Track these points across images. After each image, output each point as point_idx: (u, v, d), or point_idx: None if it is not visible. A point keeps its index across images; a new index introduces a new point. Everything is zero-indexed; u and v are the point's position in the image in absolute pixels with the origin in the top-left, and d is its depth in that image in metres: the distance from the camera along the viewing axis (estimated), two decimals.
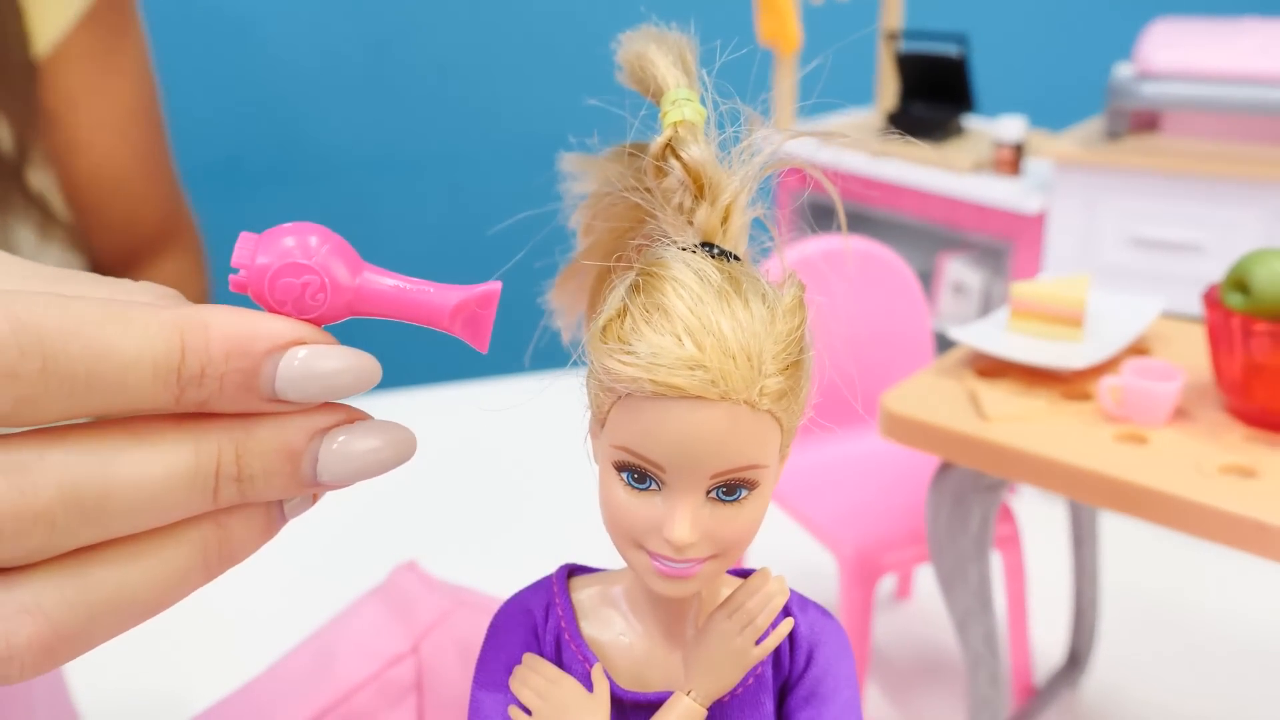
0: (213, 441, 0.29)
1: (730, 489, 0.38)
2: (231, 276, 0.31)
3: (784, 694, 0.44)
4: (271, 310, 0.31)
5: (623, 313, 0.38)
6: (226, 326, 0.29)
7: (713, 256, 0.39)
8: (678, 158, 0.39)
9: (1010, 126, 1.53)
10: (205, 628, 1.05)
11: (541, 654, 0.44)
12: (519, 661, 0.43)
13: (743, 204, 0.40)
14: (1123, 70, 1.42)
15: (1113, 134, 1.43)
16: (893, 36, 1.75)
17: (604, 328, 0.38)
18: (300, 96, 2.24)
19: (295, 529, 0.43)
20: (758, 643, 0.42)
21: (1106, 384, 0.76)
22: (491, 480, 1.36)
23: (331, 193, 2.28)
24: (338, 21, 2.21)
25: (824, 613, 0.45)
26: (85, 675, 0.98)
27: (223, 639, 1.05)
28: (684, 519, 0.37)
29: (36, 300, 0.27)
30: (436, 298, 0.32)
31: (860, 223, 1.73)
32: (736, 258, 0.40)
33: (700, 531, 0.38)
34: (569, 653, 0.43)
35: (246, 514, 0.31)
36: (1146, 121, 1.46)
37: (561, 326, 0.47)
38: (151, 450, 0.29)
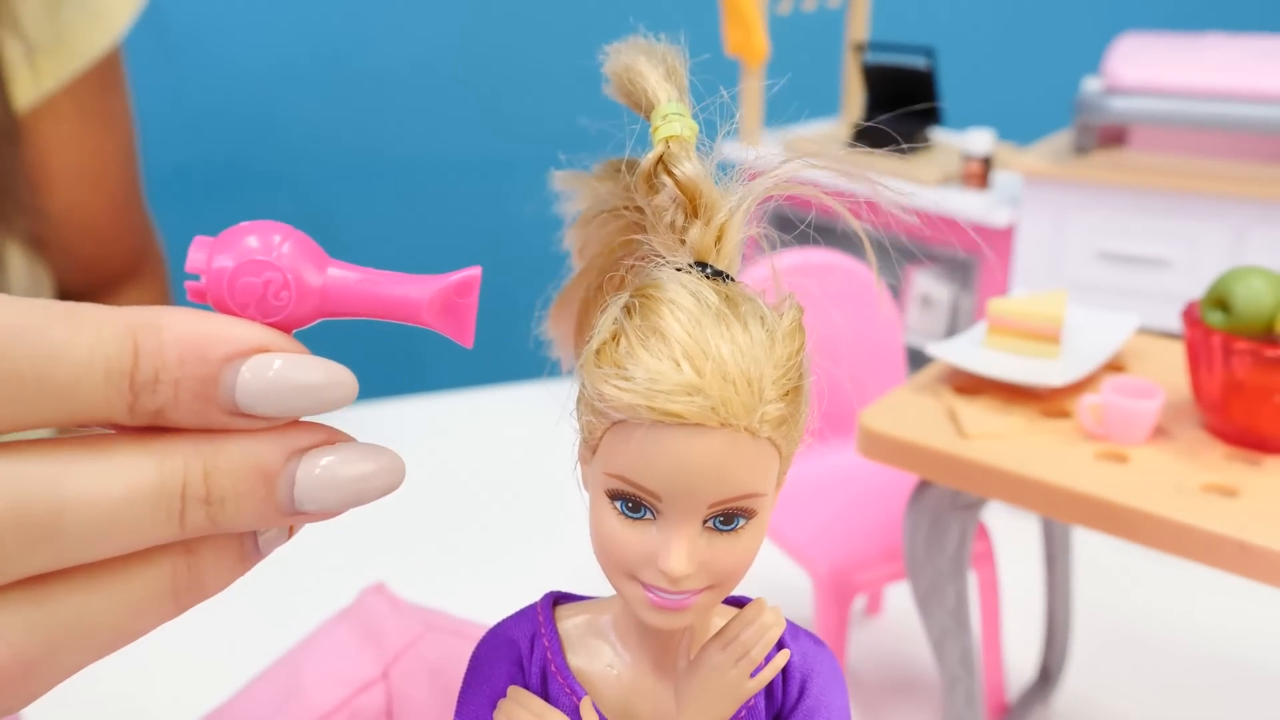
0: (178, 458, 0.26)
1: (728, 518, 0.37)
2: (188, 283, 0.28)
3: None
4: (234, 315, 0.28)
5: (617, 336, 0.36)
6: (181, 328, 0.26)
7: (707, 277, 0.37)
8: (670, 174, 0.38)
9: (978, 139, 1.53)
10: (164, 652, 1.02)
11: (527, 686, 0.42)
12: (503, 694, 0.42)
13: (737, 223, 0.39)
14: (1091, 85, 1.42)
15: (1081, 148, 1.43)
16: (859, 48, 1.75)
17: (598, 351, 0.36)
18: (253, 103, 2.20)
19: None
20: (752, 675, 0.40)
21: (1086, 402, 0.76)
22: (462, 497, 1.34)
23: (285, 203, 2.24)
24: (293, 28, 2.18)
25: (817, 642, 0.44)
26: (43, 702, 0.94)
27: (183, 664, 1.02)
28: (680, 550, 0.36)
29: None
30: (412, 290, 0.29)
31: (826, 235, 1.73)
32: (731, 278, 0.38)
33: (697, 562, 0.36)
34: (555, 685, 0.42)
35: (218, 543, 0.28)
36: (1114, 136, 1.46)
37: (561, 357, 0.45)
38: (109, 465, 0.26)
